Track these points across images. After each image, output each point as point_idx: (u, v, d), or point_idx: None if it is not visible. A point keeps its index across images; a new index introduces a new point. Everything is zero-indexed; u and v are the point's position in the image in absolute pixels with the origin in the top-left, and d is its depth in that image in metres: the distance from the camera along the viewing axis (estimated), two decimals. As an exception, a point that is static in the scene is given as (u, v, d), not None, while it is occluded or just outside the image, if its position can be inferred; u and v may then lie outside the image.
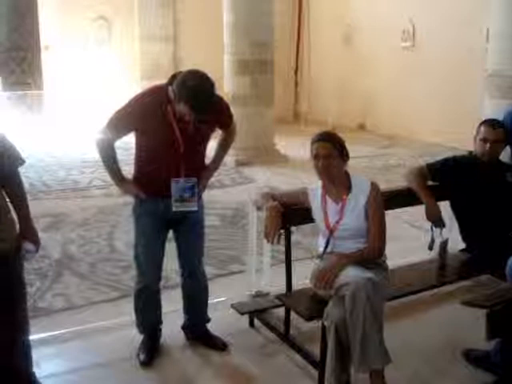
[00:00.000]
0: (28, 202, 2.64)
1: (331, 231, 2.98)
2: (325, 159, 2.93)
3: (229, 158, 8.09)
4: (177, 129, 2.90)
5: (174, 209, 2.98)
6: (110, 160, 3.05)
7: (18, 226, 2.60)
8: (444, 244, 3.53)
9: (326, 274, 2.79)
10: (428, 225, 3.53)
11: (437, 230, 3.49)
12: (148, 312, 3.24)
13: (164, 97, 2.90)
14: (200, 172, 3.07)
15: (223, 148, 3.28)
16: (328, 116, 11.16)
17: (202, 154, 3.10)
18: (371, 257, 2.93)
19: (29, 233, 2.62)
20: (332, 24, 11.64)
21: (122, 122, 2.95)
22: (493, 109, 4.98)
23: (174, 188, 2.95)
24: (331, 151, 2.93)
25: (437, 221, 3.48)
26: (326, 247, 3.01)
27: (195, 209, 3.03)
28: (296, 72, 12.73)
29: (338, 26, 11.51)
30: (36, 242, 2.64)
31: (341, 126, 9.88)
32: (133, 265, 3.27)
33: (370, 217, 2.94)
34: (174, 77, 2.90)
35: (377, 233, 2.94)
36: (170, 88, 2.89)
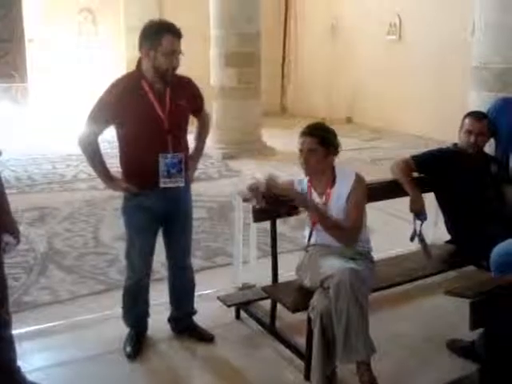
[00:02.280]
0: (6, 193, 2.61)
1: (314, 223, 2.99)
2: (307, 154, 2.94)
3: (216, 151, 8.09)
4: (157, 105, 2.91)
5: (161, 185, 2.96)
6: (95, 159, 3.02)
7: None
8: (421, 237, 3.54)
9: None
10: (412, 216, 3.55)
11: (418, 222, 3.51)
12: (136, 307, 3.23)
13: (137, 75, 2.94)
14: (185, 150, 3.07)
15: (201, 138, 3.31)
16: (316, 109, 11.18)
17: (184, 131, 3.09)
18: (339, 235, 2.90)
19: (8, 225, 2.59)
20: (319, 17, 11.63)
21: (102, 112, 2.94)
22: (478, 101, 5.00)
23: (161, 163, 2.94)
24: (315, 146, 2.93)
25: (419, 212, 3.50)
26: (310, 239, 3.03)
27: (182, 184, 3.02)
28: (283, 65, 12.72)
29: (324, 18, 11.50)
30: (15, 233, 2.62)
31: (328, 118, 9.89)
32: (118, 258, 3.26)
33: (350, 203, 2.93)
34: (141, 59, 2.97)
35: (353, 217, 2.92)
36: (140, 63, 2.94)
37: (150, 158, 2.93)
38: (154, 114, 2.91)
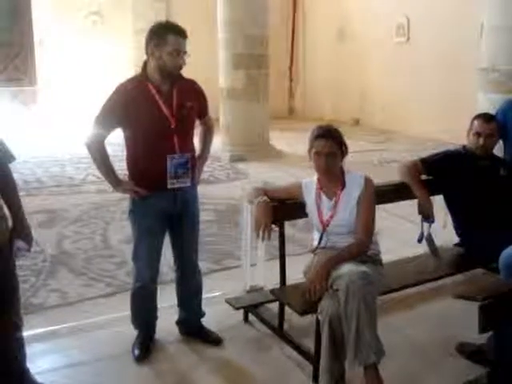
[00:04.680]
0: (20, 198, 2.63)
1: (324, 226, 2.98)
2: (327, 157, 2.90)
3: (224, 153, 8.11)
4: (163, 105, 2.92)
5: (169, 186, 2.97)
6: (102, 161, 3.02)
7: (10, 222, 2.60)
8: (429, 239, 3.53)
9: (312, 284, 2.78)
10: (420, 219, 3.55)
11: (426, 225, 3.50)
12: (144, 310, 3.24)
13: (143, 77, 2.96)
14: (191, 150, 3.07)
15: (206, 142, 3.32)
16: (324, 111, 11.18)
17: (191, 132, 3.09)
18: (358, 254, 2.87)
19: (21, 229, 2.60)
20: (327, 19, 11.63)
21: (108, 114, 2.95)
22: (486, 103, 4.99)
23: (169, 164, 2.95)
24: (334, 149, 2.91)
25: (427, 215, 3.49)
26: (320, 242, 3.02)
27: (188, 184, 3.04)
28: (291, 67, 12.73)
29: (332, 21, 11.50)
30: (28, 238, 2.63)
31: (335, 121, 9.87)
32: (127, 261, 3.26)
33: (361, 212, 2.93)
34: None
35: (364, 229, 2.92)
36: (146, 64, 2.96)
37: (157, 159, 2.94)
38: (160, 115, 2.93)
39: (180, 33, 2.92)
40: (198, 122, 3.23)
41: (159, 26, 2.94)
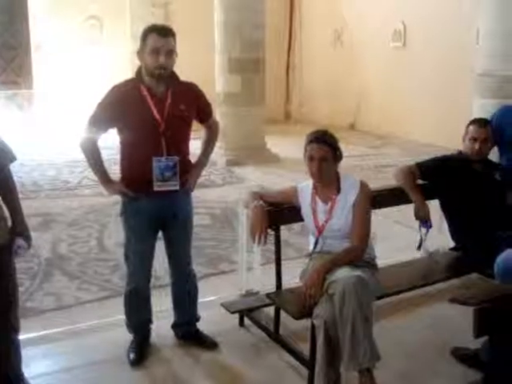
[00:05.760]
0: (19, 199, 2.63)
1: (320, 231, 2.98)
2: (319, 162, 2.90)
3: (220, 158, 8.11)
4: (154, 108, 2.92)
5: (155, 188, 2.96)
6: (95, 161, 3.05)
7: (9, 222, 2.60)
8: (423, 245, 3.54)
9: (308, 289, 2.77)
10: (417, 223, 3.55)
11: (423, 230, 3.50)
12: (138, 312, 3.23)
13: (136, 80, 2.97)
14: (181, 154, 3.04)
15: (208, 145, 3.30)
16: (320, 116, 11.20)
17: (183, 136, 3.08)
18: (353, 258, 2.87)
19: (20, 228, 2.61)
20: (323, 24, 11.67)
21: (101, 113, 2.96)
22: (483, 108, 5.00)
23: (155, 166, 2.94)
24: (326, 154, 2.91)
25: (424, 219, 3.49)
26: (315, 246, 3.02)
27: (176, 188, 3.01)
28: (287, 71, 12.75)
29: (329, 25, 11.54)
30: (27, 237, 2.64)
31: (332, 125, 9.88)
32: (122, 265, 3.26)
33: (356, 217, 2.93)
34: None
35: (360, 234, 2.92)
36: (141, 69, 2.97)
37: (144, 161, 2.94)
38: (150, 118, 2.92)
39: (159, 31, 2.90)
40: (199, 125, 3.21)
41: (143, 30, 2.96)
